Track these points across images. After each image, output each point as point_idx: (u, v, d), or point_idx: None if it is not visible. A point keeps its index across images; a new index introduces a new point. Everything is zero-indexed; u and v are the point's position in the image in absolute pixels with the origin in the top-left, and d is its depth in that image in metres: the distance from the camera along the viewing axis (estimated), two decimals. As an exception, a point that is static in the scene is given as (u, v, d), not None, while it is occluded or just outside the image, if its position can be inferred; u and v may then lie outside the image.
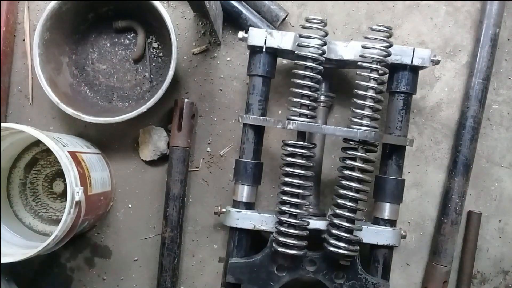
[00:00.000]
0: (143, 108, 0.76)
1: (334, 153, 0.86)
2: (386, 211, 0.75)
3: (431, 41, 0.87)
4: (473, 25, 0.87)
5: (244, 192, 0.74)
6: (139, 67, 0.86)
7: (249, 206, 0.75)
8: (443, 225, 0.83)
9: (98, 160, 0.81)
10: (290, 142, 0.71)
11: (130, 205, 0.87)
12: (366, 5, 0.86)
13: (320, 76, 0.72)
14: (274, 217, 0.73)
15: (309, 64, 0.71)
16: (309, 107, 0.71)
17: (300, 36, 0.72)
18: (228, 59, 0.87)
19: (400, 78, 0.75)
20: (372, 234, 0.73)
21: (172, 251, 0.82)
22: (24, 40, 0.86)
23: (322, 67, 0.72)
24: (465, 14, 0.87)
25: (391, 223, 0.75)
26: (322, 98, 0.79)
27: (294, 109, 0.72)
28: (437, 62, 0.75)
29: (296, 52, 0.72)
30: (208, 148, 0.87)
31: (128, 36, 0.86)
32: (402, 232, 0.76)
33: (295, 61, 0.72)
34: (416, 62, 0.73)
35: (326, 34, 0.72)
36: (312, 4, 0.86)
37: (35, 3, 0.87)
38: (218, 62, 0.87)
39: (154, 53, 0.86)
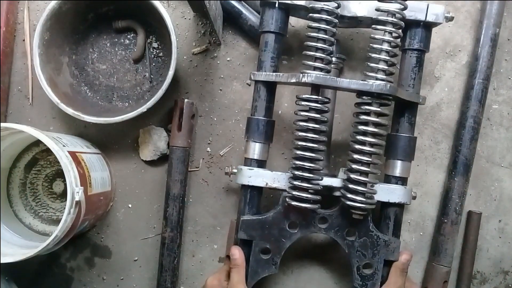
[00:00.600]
0: (143, 108, 0.76)
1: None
2: (398, 168, 0.75)
3: (431, 41, 0.87)
4: (473, 25, 0.87)
5: (256, 149, 0.74)
6: (139, 67, 0.87)
7: (260, 163, 0.75)
8: (443, 225, 0.83)
9: (98, 160, 0.81)
10: (304, 96, 0.70)
11: (130, 205, 0.87)
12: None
13: (335, 30, 0.71)
14: (286, 175, 0.73)
15: (324, 17, 0.70)
16: (324, 61, 0.71)
17: None
18: (228, 59, 0.87)
19: (414, 35, 0.74)
20: (384, 192, 0.73)
21: (172, 251, 0.82)
22: (24, 40, 0.86)
23: (337, 20, 0.71)
24: (465, 14, 0.87)
25: (403, 180, 0.75)
26: (334, 59, 0.79)
27: (308, 63, 0.71)
28: (451, 19, 0.74)
29: (310, 5, 0.71)
30: (208, 148, 0.87)
31: (128, 36, 0.86)
32: (412, 192, 0.77)
33: (310, 14, 0.71)
34: (430, 18, 0.73)
35: None
36: (312, 4, 0.86)
37: (35, 3, 0.87)
38: (218, 62, 0.87)
39: (154, 53, 0.86)
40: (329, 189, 0.74)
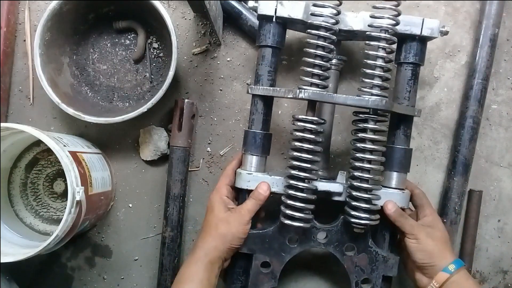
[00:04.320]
0: (143, 108, 0.76)
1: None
2: (394, 180, 0.75)
3: (431, 41, 0.87)
4: (472, 26, 0.88)
5: (252, 162, 0.74)
6: (140, 68, 0.87)
7: None
8: (442, 225, 0.84)
9: (99, 160, 0.82)
10: (300, 116, 0.71)
11: (130, 205, 0.87)
12: (366, 5, 0.86)
13: (333, 46, 0.72)
14: (284, 180, 0.73)
15: (322, 33, 0.70)
16: (321, 77, 0.71)
17: (314, 5, 0.72)
18: (228, 59, 0.87)
19: (409, 48, 0.75)
20: (383, 197, 0.73)
21: (172, 251, 0.82)
22: (25, 40, 0.86)
23: (335, 37, 0.72)
24: (464, 15, 0.88)
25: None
26: (334, 61, 0.79)
27: (305, 78, 0.71)
28: (446, 33, 0.75)
29: (309, 21, 0.72)
30: (208, 148, 0.87)
31: (129, 37, 0.87)
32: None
33: (308, 30, 0.72)
34: (426, 32, 0.73)
35: (340, 3, 0.72)
36: (312, 4, 0.87)
37: (35, 3, 0.87)
38: (218, 62, 0.87)
39: (155, 53, 0.87)
40: (329, 193, 0.74)
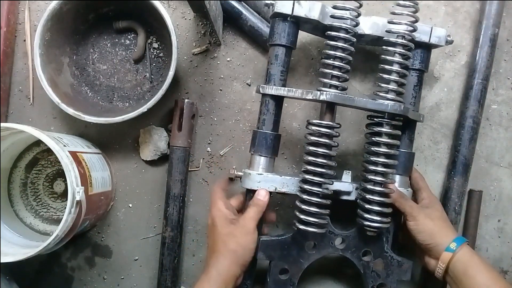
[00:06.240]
0: (143, 108, 0.76)
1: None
2: (397, 183, 0.76)
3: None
4: (472, 26, 0.88)
5: (261, 163, 0.73)
6: (140, 68, 0.87)
7: None
8: (442, 225, 0.84)
9: (99, 160, 0.82)
10: (316, 121, 0.70)
11: (130, 205, 0.87)
12: (366, 5, 0.86)
13: (353, 49, 0.72)
14: (295, 180, 0.73)
15: (343, 35, 0.71)
16: (340, 79, 0.71)
17: (334, 7, 0.72)
18: (228, 59, 0.87)
19: (416, 55, 0.77)
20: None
21: (172, 251, 0.82)
22: (25, 40, 0.86)
23: (355, 39, 0.72)
24: (464, 15, 0.88)
25: None
26: None
27: (325, 80, 0.71)
28: (451, 42, 0.77)
29: (329, 23, 0.72)
30: (208, 148, 0.87)
31: (129, 37, 0.87)
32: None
33: (327, 32, 0.72)
34: (433, 40, 0.75)
35: (360, 5, 0.72)
36: (312, 4, 0.86)
37: (35, 3, 0.87)
38: (218, 62, 0.87)
39: (155, 53, 0.87)
40: (337, 192, 0.75)
